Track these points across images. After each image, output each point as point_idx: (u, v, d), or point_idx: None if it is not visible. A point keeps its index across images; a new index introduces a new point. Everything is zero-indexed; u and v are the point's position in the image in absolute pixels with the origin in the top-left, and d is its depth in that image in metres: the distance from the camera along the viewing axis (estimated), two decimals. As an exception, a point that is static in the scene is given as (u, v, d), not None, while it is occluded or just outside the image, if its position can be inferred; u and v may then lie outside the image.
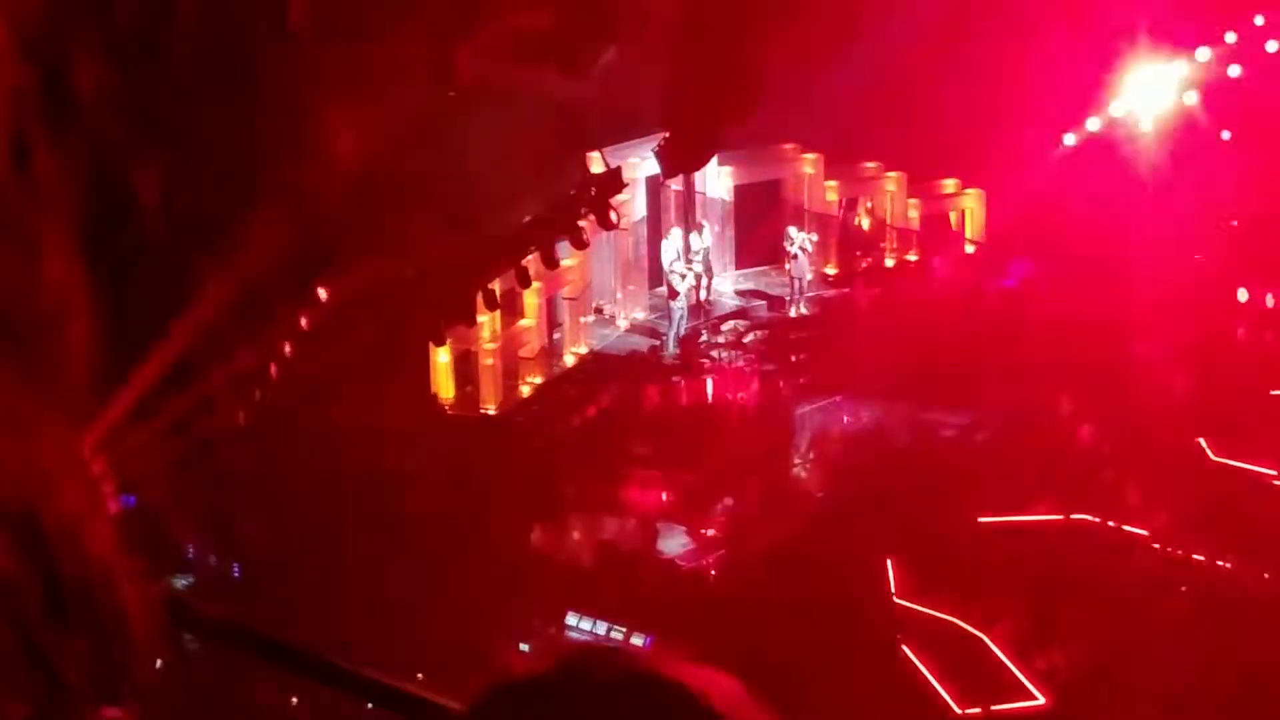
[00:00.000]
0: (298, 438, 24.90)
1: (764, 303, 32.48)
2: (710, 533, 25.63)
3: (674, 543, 25.68)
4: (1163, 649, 21.39)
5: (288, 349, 26.36)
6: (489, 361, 28.18)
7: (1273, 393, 29.69)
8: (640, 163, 30.32)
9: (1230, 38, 32.74)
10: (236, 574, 24.93)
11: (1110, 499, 26.47)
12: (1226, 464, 27.70)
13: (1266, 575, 23.50)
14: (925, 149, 33.06)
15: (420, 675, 15.12)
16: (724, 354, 29.60)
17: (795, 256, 31.89)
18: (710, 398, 28.28)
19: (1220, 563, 23.92)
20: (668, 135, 28.87)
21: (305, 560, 23.10)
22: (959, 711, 20.61)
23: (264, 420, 26.19)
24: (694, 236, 31.74)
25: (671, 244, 31.30)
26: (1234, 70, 32.83)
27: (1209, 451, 28.06)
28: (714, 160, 31.43)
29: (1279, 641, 21.64)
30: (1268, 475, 27.11)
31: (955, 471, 27.36)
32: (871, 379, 30.80)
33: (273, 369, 26.49)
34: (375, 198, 26.64)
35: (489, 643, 21.50)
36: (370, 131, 27.58)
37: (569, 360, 29.93)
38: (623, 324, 31.45)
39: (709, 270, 31.79)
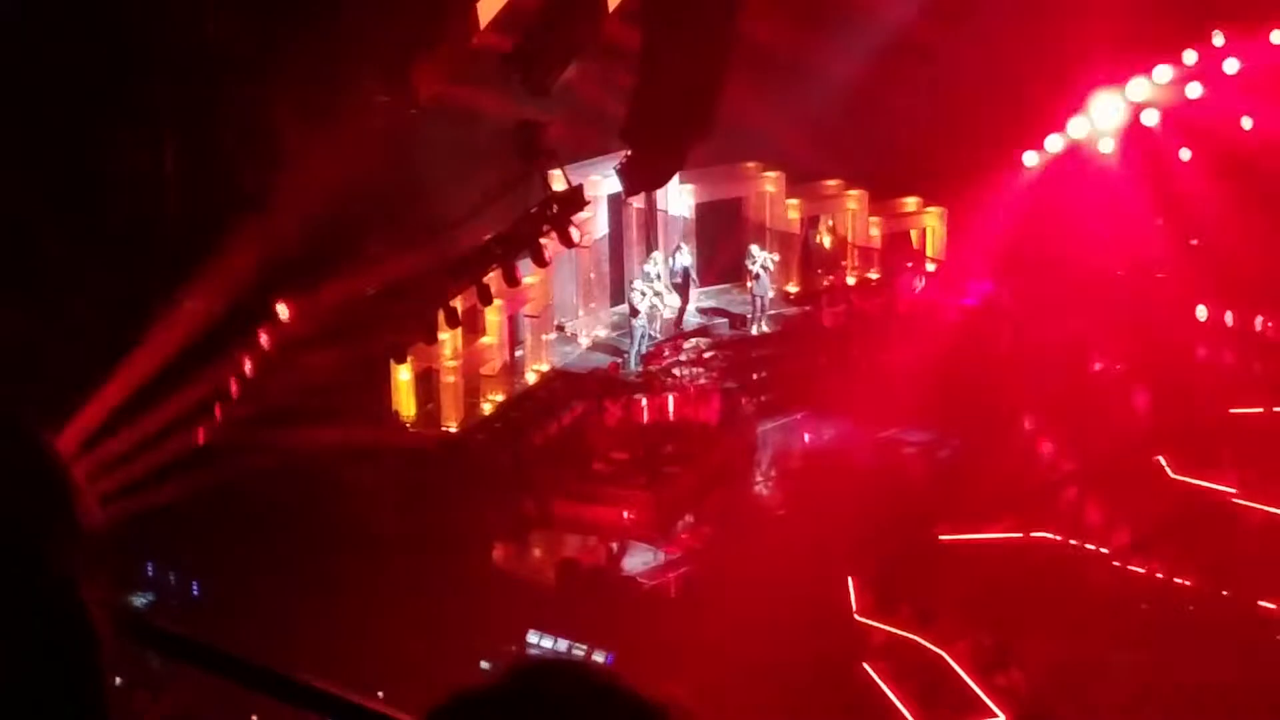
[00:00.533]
0: (258, 455, 24.82)
1: (726, 320, 32.50)
2: (672, 552, 25.61)
3: (635, 560, 25.68)
4: (1121, 666, 21.46)
5: (248, 367, 26.32)
6: (450, 379, 28.13)
7: (1231, 411, 29.81)
8: (602, 180, 30.31)
9: (1189, 57, 32.89)
10: (196, 592, 24.85)
11: (1070, 516, 26.56)
12: (1186, 482, 27.81)
13: (1225, 592, 23.58)
14: (887, 167, 33.16)
15: (381, 694, 15.09)
16: (686, 371, 29.61)
17: (757, 276, 31.91)
18: (672, 415, 28.28)
19: (1179, 580, 24.00)
20: (629, 153, 28.88)
21: (265, 578, 23.03)
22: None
23: (225, 438, 26.14)
24: (675, 255, 31.82)
25: (653, 264, 31.45)
26: (1193, 90, 32.98)
27: (1168, 469, 28.17)
28: (675, 178, 31.44)
29: (1237, 659, 21.75)
30: (1226, 493, 27.22)
31: (916, 489, 27.43)
32: (833, 397, 30.88)
33: (233, 386, 26.45)
34: (336, 215, 26.62)
35: (450, 660, 21.45)
36: (332, 149, 27.60)
37: (530, 378, 29.89)
38: (584, 341, 31.43)
39: (685, 289, 31.86)
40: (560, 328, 31.26)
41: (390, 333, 26.57)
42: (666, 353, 30.24)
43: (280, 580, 22.96)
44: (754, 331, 32.23)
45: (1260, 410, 29.72)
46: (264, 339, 26.59)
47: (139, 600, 23.46)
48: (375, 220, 27.57)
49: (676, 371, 29.40)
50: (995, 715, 20.71)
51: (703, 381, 29.11)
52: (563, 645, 21.99)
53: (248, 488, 24.18)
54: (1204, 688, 20.92)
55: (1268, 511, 26.73)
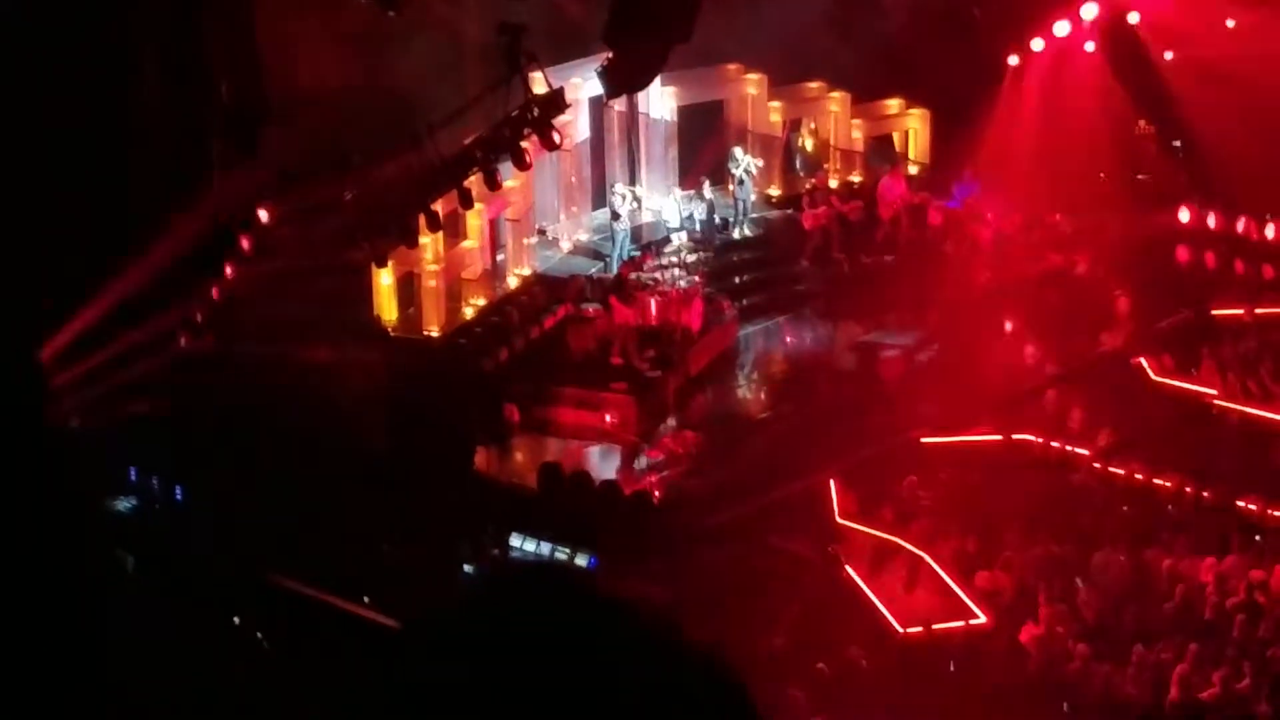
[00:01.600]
0: (239, 360, 24.81)
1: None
2: (654, 456, 25.66)
3: (618, 464, 25.73)
4: (1102, 567, 21.56)
5: (229, 271, 26.28)
6: (432, 283, 28.07)
7: (1213, 312, 29.85)
8: (583, 83, 30.17)
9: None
10: (179, 497, 24.85)
11: (1051, 419, 26.62)
12: (1167, 384, 27.89)
13: (1206, 494, 23.67)
14: (869, 69, 33.01)
15: (365, 599, 15.16)
16: (667, 275, 29.57)
17: (740, 180, 31.84)
18: (654, 319, 28.26)
19: (1160, 481, 24.09)
20: (611, 55, 28.73)
21: (249, 485, 23.03)
22: (901, 631, 20.72)
23: (207, 345, 26.12)
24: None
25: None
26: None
27: (1150, 371, 28.24)
28: (657, 81, 31.31)
29: (1215, 559, 21.87)
30: (1207, 395, 27.30)
31: (898, 392, 27.47)
32: (815, 300, 30.91)
33: (215, 292, 26.41)
34: (317, 119, 26.50)
35: (433, 565, 21.51)
36: (312, 54, 27.44)
37: (512, 282, 29.85)
38: (566, 246, 31.38)
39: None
40: (542, 231, 31.19)
41: (371, 237, 26.48)
42: (648, 257, 30.17)
43: (263, 487, 22.96)
44: (736, 235, 32.18)
45: (1241, 312, 29.77)
46: (245, 244, 26.53)
47: (122, 504, 23.45)
48: (355, 124, 27.43)
49: (658, 275, 29.33)
50: (977, 617, 20.80)
51: (684, 285, 29.06)
52: (545, 549, 22.03)
53: (231, 395, 24.16)
54: (1185, 588, 21.03)
55: (1248, 413, 26.83)
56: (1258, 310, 29.73)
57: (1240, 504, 23.49)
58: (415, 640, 1.51)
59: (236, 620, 19.56)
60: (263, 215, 26.59)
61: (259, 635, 19.43)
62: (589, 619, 1.47)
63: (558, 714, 1.46)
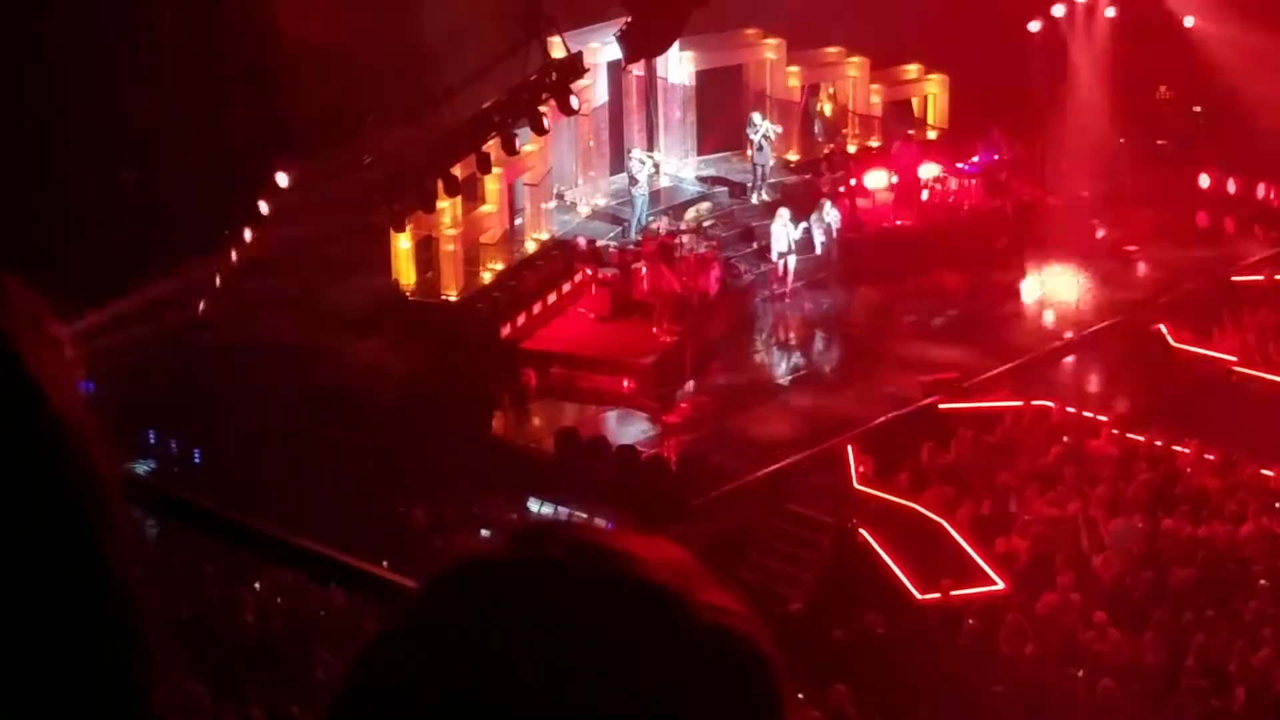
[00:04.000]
0: (258, 324, 24.85)
1: (726, 189, 32.37)
2: (671, 421, 25.65)
3: (635, 429, 25.71)
4: (1120, 532, 21.52)
5: (248, 235, 26.29)
6: (450, 247, 28.04)
7: (1233, 279, 29.81)
8: (601, 47, 30.09)
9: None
10: (197, 459, 24.92)
11: (1070, 384, 26.61)
12: (1186, 350, 27.84)
13: (1221, 459, 23.63)
14: (888, 34, 32.90)
15: (385, 562, 15.17)
16: (686, 240, 29.52)
17: (760, 146, 31.72)
18: (672, 284, 28.21)
19: (1178, 447, 24.04)
20: (629, 20, 28.67)
21: (267, 447, 23.09)
22: (919, 597, 20.72)
23: (224, 305, 26.16)
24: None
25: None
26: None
27: (1169, 338, 28.19)
28: (675, 45, 31.23)
29: (1236, 525, 21.83)
30: (1227, 361, 27.25)
31: (915, 356, 27.44)
32: (833, 265, 30.84)
33: (233, 255, 26.44)
34: (335, 83, 26.49)
35: (450, 528, 21.55)
36: (329, 15, 27.40)
37: (530, 246, 29.81)
38: (584, 210, 31.33)
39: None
40: (559, 196, 31.15)
41: (389, 201, 26.46)
42: (666, 222, 30.11)
43: (281, 449, 23.02)
44: (754, 200, 32.09)
45: (1261, 278, 29.72)
46: (264, 207, 26.54)
47: (141, 467, 23.51)
48: (374, 88, 27.41)
49: (677, 240, 29.28)
50: (994, 583, 20.78)
51: (703, 250, 29.01)
52: (563, 513, 22.04)
53: (250, 357, 24.19)
54: (1203, 554, 20.98)
55: (1267, 379, 26.78)
56: (1277, 276, 29.69)
57: (1261, 471, 23.44)
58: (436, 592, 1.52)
59: (257, 586, 19.66)
60: (281, 179, 26.59)
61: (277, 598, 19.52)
62: (609, 573, 1.46)
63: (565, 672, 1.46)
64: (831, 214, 30.35)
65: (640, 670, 1.43)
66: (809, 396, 26.21)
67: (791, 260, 29.42)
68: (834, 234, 30.36)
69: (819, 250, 30.32)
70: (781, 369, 28.17)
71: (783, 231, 29.27)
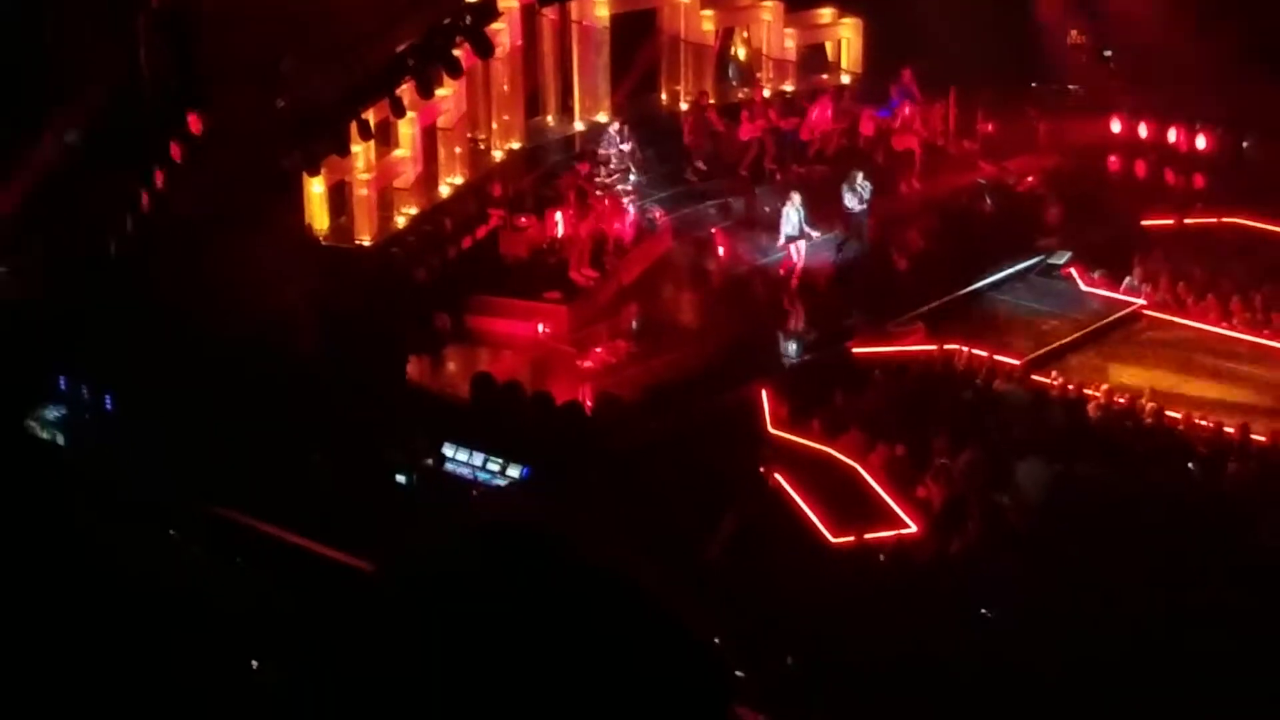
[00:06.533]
0: (170, 268, 24.65)
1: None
2: (586, 364, 25.70)
3: (550, 374, 25.72)
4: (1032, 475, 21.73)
5: (159, 180, 26.07)
6: (363, 192, 27.93)
7: (1142, 223, 30.05)
8: (516, -10, 30.02)
9: None
10: (109, 406, 24.73)
11: (983, 327, 26.80)
12: (1096, 293, 28.09)
13: (1131, 403, 23.91)
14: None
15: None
16: (601, 185, 29.48)
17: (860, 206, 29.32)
18: (587, 229, 28.20)
19: (1089, 391, 24.29)
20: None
21: (179, 392, 22.93)
22: (832, 540, 20.87)
23: (137, 250, 25.94)
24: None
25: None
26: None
27: (1079, 281, 28.44)
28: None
29: (1141, 467, 22.11)
30: (1136, 305, 27.52)
31: (829, 301, 27.56)
32: (747, 210, 30.89)
33: (145, 199, 26.20)
34: (248, 26, 26.23)
35: (365, 475, 21.50)
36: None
37: (444, 191, 29.73)
38: (498, 154, 31.26)
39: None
40: (474, 140, 31.05)
41: (302, 145, 26.29)
42: (583, 166, 30.06)
43: (193, 396, 22.87)
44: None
45: (1171, 222, 29.98)
46: (175, 151, 26.31)
47: (51, 413, 23.33)
48: (286, 31, 27.18)
49: (594, 184, 29.23)
50: (908, 526, 20.97)
51: (618, 195, 29.00)
52: (478, 458, 22.03)
53: (160, 300, 24.00)
54: (1111, 496, 21.23)
55: (1176, 323, 27.07)
56: (1187, 220, 29.97)
57: (1167, 414, 23.73)
58: (392, 584, 1.54)
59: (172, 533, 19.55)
60: (193, 123, 26.36)
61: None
62: (567, 587, 1.49)
63: (530, 662, 1.50)
64: (864, 185, 29.03)
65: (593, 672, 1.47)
66: (723, 340, 26.24)
67: (803, 246, 28.30)
68: (867, 205, 29.11)
69: (856, 212, 29.02)
70: (696, 313, 28.20)
71: (795, 216, 28.29)
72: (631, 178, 29.66)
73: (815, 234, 28.20)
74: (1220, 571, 19.31)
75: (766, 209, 30.73)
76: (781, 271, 28.33)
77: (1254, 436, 22.95)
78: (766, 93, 33.26)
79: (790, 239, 28.39)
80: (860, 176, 29.01)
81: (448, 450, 22.29)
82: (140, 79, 26.23)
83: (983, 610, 18.82)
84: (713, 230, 30.04)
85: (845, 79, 34.85)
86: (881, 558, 20.42)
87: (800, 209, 28.17)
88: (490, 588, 1.53)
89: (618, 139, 30.38)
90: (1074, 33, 35.25)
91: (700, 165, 31.54)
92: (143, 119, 25.81)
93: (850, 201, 28.78)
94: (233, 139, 25.88)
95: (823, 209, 28.25)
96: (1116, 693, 16.75)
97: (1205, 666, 16.97)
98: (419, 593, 1.51)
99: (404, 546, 1.51)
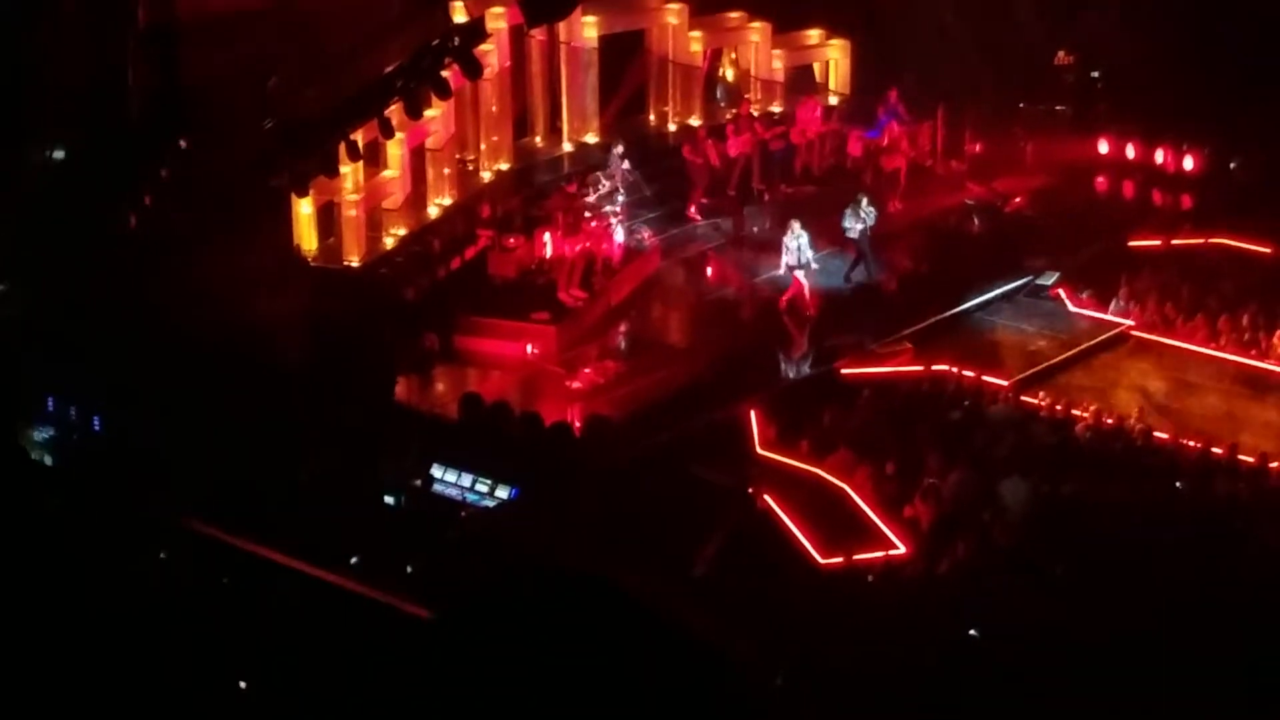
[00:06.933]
0: (160, 289, 24.61)
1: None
2: (575, 384, 25.69)
3: (539, 394, 25.71)
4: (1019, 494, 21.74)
5: (148, 200, 26.03)
6: (352, 213, 27.94)
7: (1130, 243, 30.10)
8: (503, 12, 30.02)
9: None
10: (97, 427, 24.68)
11: (971, 348, 26.81)
12: (1084, 314, 28.13)
13: (1135, 422, 23.94)
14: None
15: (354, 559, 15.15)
16: (590, 205, 29.48)
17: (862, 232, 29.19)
18: (576, 249, 28.20)
19: (1077, 412, 24.33)
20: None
21: (169, 413, 22.89)
22: (821, 561, 20.87)
23: (125, 271, 25.89)
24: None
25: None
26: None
27: (1067, 302, 28.47)
28: (578, 10, 31.14)
29: (1129, 486, 22.12)
30: (1124, 325, 27.56)
31: (820, 323, 27.56)
32: (736, 229, 30.93)
33: (133, 219, 26.17)
34: (236, 46, 26.24)
35: (353, 495, 21.46)
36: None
37: (433, 212, 29.75)
38: (487, 175, 31.29)
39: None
40: (463, 161, 31.09)
41: (290, 166, 26.27)
42: (572, 187, 30.06)
43: (182, 415, 22.82)
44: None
45: (1158, 242, 30.03)
46: (164, 171, 26.28)
47: (40, 435, 23.29)
48: (276, 52, 27.18)
49: (580, 205, 29.24)
50: (896, 547, 20.97)
51: (607, 215, 29.01)
52: (467, 479, 22.01)
53: (149, 319, 23.96)
54: (1098, 514, 21.25)
55: (1164, 343, 27.11)
56: (1174, 241, 30.02)
57: (1155, 434, 23.76)
58: (453, 631, 1.55)
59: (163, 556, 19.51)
60: (182, 143, 26.34)
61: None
62: (626, 637, 1.50)
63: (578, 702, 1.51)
64: (868, 211, 28.94)
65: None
66: (712, 361, 26.24)
67: (804, 274, 27.98)
68: (869, 231, 29.00)
69: (857, 237, 28.97)
70: (684, 333, 28.20)
71: (796, 244, 28.01)
72: (620, 198, 29.63)
73: (816, 264, 28.10)
74: (1208, 587, 19.31)
75: (755, 229, 30.84)
76: (783, 303, 28.00)
77: (1242, 457, 22.99)
78: (755, 113, 33.31)
79: (792, 268, 28.12)
80: (865, 201, 28.91)
81: (436, 471, 22.27)
82: (128, 97, 26.20)
83: (971, 631, 18.80)
84: (701, 250, 30.08)
85: (833, 100, 34.90)
86: (870, 578, 20.44)
87: (801, 236, 27.98)
88: (543, 635, 1.54)
89: (621, 162, 30.36)
90: (1061, 53, 35.35)
91: (703, 202, 31.50)
92: (130, 137, 25.78)
93: (852, 224, 28.71)
94: (220, 158, 25.85)
95: (811, 227, 28.19)
96: (1105, 706, 16.75)
97: (1193, 681, 16.97)
98: (479, 637, 1.52)
99: (459, 591, 1.51)
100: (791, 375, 26.15)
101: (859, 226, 28.62)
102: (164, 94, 26.19)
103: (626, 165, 30.36)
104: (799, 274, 27.90)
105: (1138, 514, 21.25)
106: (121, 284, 25.22)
